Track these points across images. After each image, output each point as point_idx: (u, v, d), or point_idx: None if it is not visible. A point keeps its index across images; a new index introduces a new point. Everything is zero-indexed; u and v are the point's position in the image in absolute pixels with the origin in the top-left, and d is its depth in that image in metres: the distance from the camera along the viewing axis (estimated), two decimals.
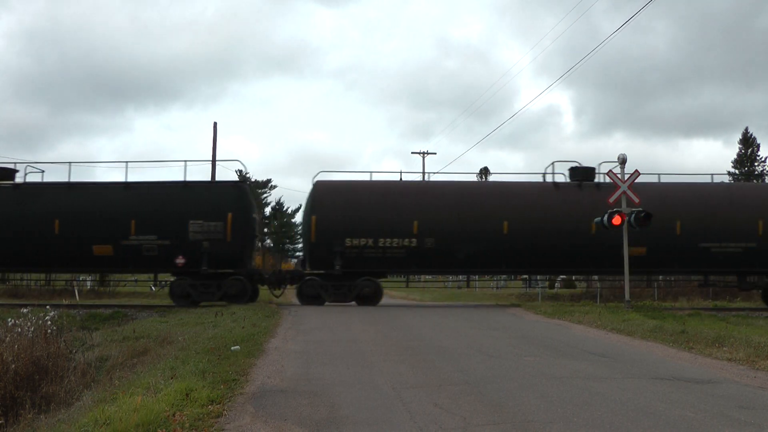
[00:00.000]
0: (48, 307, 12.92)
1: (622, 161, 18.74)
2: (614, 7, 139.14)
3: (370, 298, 20.60)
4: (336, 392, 7.06)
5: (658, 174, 22.41)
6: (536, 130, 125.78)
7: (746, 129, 53.95)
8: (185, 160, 21.76)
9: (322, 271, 20.91)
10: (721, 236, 20.93)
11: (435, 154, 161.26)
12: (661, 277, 26.85)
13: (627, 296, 18.63)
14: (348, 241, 20.48)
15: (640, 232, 20.26)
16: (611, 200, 18.64)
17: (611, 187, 21.77)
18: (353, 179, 22.69)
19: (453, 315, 17.94)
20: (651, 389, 7.27)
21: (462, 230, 20.73)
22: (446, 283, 37.54)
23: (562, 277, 30.52)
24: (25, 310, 12.22)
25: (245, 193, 21.96)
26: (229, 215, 20.62)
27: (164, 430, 5.43)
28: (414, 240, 20.56)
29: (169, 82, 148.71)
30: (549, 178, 22.35)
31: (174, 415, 5.84)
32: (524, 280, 32.70)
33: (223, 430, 5.59)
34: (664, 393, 7.07)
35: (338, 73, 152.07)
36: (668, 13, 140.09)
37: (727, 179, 52.06)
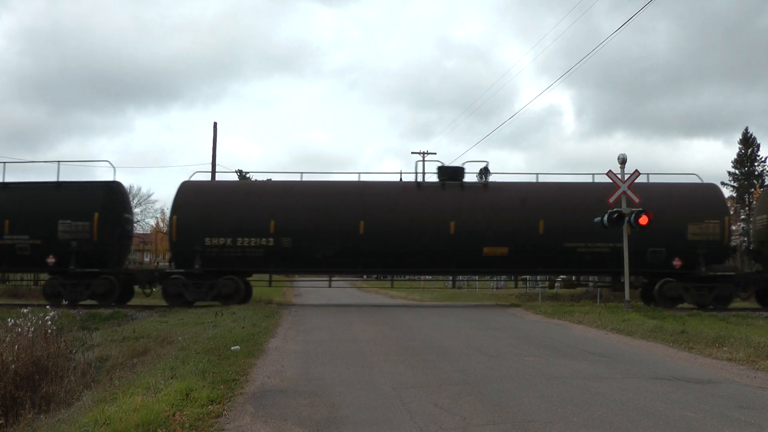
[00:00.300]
0: (48, 307, 12.93)
1: (622, 161, 18.72)
2: (615, 7, 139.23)
3: (231, 296, 20.69)
4: (336, 392, 7.06)
5: (536, 174, 22.35)
6: (537, 130, 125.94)
7: (746, 129, 54.00)
8: (58, 161, 22.14)
9: (185, 270, 21.15)
10: (588, 236, 20.68)
11: (435, 154, 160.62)
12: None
13: (627, 296, 18.63)
14: (208, 241, 20.75)
15: (503, 232, 20.54)
16: (611, 200, 18.62)
17: (475, 186, 22.19)
18: (220, 179, 22.91)
19: (453, 315, 17.95)
20: (651, 389, 7.28)
21: (318, 230, 20.86)
22: (446, 284, 37.54)
23: (562, 277, 30.52)
24: (25, 310, 12.21)
25: (115, 193, 22.17)
26: (96, 215, 20.94)
27: (164, 430, 5.43)
28: (271, 239, 20.78)
29: (169, 82, 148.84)
30: (427, 178, 22.39)
31: (174, 415, 5.84)
32: (524, 279, 32.70)
33: (223, 430, 5.59)
34: (664, 393, 7.08)
35: (339, 73, 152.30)
36: (669, 13, 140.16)
37: (727, 179, 52.20)
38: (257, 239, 20.76)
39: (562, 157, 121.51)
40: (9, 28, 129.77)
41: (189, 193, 21.58)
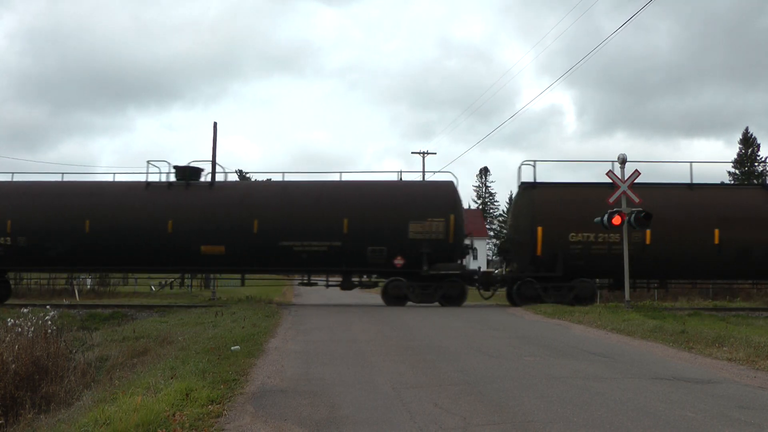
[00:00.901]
0: (48, 307, 12.95)
1: (622, 161, 18.70)
2: (616, 7, 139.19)
3: None
4: (336, 392, 7.06)
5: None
6: (538, 130, 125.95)
7: (746, 129, 54.06)
8: None
9: None
10: (304, 235, 20.95)
11: (435, 153, 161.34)
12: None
13: (627, 296, 18.63)
14: None
15: (220, 231, 20.95)
16: (611, 200, 18.61)
17: (202, 186, 22.52)
18: None
19: (453, 315, 17.93)
20: (651, 389, 7.27)
21: (49, 230, 21.67)
22: None
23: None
24: (25, 310, 12.24)
25: None
26: None
27: (164, 430, 5.42)
28: (8, 239, 21.75)
29: (170, 82, 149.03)
30: (155, 178, 22.83)
31: (174, 415, 5.84)
32: None
33: (223, 430, 5.59)
34: (664, 393, 7.07)
35: (340, 73, 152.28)
36: (670, 13, 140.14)
37: (728, 180, 52.20)
38: None
39: (563, 156, 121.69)
40: (9, 28, 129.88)
41: None
